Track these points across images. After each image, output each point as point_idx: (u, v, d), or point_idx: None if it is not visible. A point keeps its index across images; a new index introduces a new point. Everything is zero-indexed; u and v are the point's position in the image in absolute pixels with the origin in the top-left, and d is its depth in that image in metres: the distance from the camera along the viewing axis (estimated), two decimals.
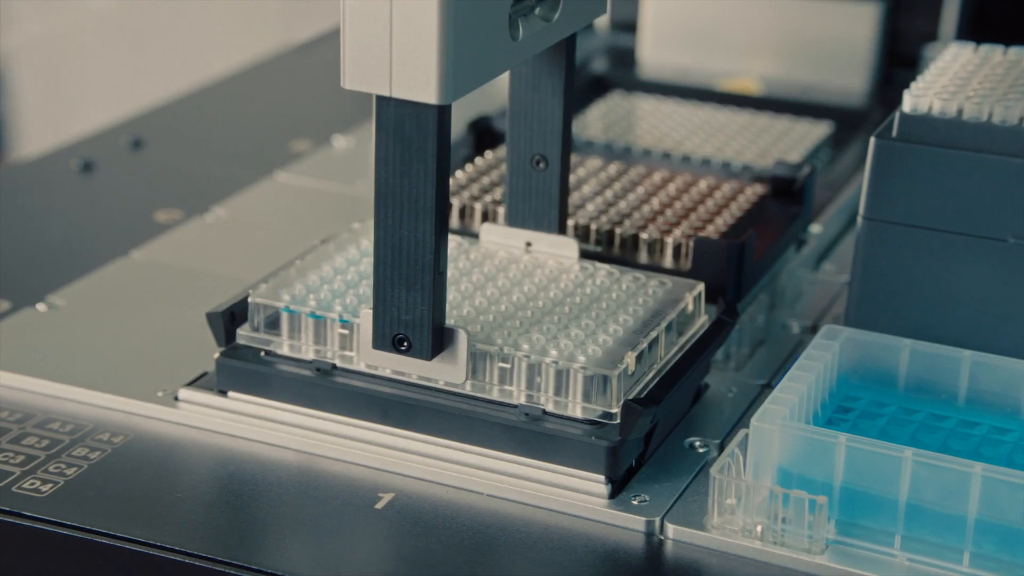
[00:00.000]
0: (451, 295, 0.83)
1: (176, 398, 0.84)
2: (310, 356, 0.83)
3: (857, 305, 0.86)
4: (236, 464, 0.80)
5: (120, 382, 0.86)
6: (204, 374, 0.86)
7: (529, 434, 0.78)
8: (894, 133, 0.84)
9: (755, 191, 0.99)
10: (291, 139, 1.22)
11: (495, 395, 0.79)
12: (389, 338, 0.78)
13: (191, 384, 0.85)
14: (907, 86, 1.32)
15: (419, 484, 0.79)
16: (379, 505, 0.77)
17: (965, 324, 0.83)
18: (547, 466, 0.78)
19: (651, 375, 0.80)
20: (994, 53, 0.90)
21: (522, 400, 0.79)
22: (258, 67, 1.42)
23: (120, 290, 0.97)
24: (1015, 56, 0.90)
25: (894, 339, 0.82)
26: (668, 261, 0.91)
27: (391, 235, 0.76)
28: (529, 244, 0.89)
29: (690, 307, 0.85)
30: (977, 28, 1.29)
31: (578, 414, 0.78)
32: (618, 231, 0.92)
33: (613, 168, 1.03)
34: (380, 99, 0.74)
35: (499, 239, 0.90)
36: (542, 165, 0.88)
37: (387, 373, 0.81)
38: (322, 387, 0.82)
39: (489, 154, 1.04)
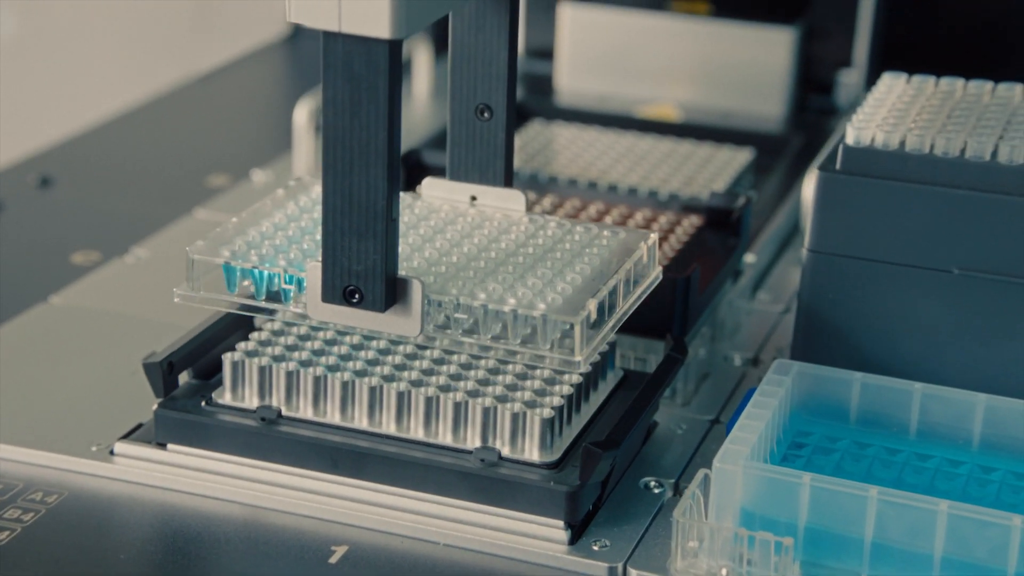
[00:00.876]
0: (399, 248, 0.78)
1: (112, 452, 0.81)
2: (254, 404, 0.80)
3: (803, 338, 0.86)
4: (179, 520, 0.77)
5: (51, 437, 0.82)
6: (139, 426, 0.83)
7: (485, 480, 0.76)
8: (838, 165, 0.84)
9: (692, 223, 0.98)
10: (207, 174, 1.19)
11: (448, 440, 0.78)
12: (339, 290, 0.74)
13: (127, 437, 0.82)
14: (823, 111, 1.33)
15: (373, 535, 0.76)
16: (333, 559, 0.75)
17: (912, 355, 0.83)
18: (505, 512, 0.76)
19: (610, 325, 0.78)
20: (927, 84, 0.91)
21: (476, 442, 0.77)
22: (163, 99, 1.39)
23: (42, 338, 0.94)
24: (947, 87, 0.90)
25: (845, 372, 0.82)
26: None
27: (341, 180, 0.72)
28: (474, 198, 0.86)
29: (644, 257, 0.82)
30: (888, 55, 1.31)
31: (546, 367, 0.74)
32: None
33: (547, 201, 1.02)
34: (328, 36, 0.70)
35: (442, 193, 0.87)
36: (487, 115, 0.85)
37: (334, 420, 0.79)
38: (267, 437, 0.79)
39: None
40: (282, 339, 0.83)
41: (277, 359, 0.81)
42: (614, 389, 0.84)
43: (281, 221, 0.83)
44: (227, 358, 0.81)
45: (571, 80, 1.34)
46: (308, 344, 0.82)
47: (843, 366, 0.83)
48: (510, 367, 0.81)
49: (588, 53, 1.34)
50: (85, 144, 1.27)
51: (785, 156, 1.22)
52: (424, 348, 0.82)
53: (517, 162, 1.13)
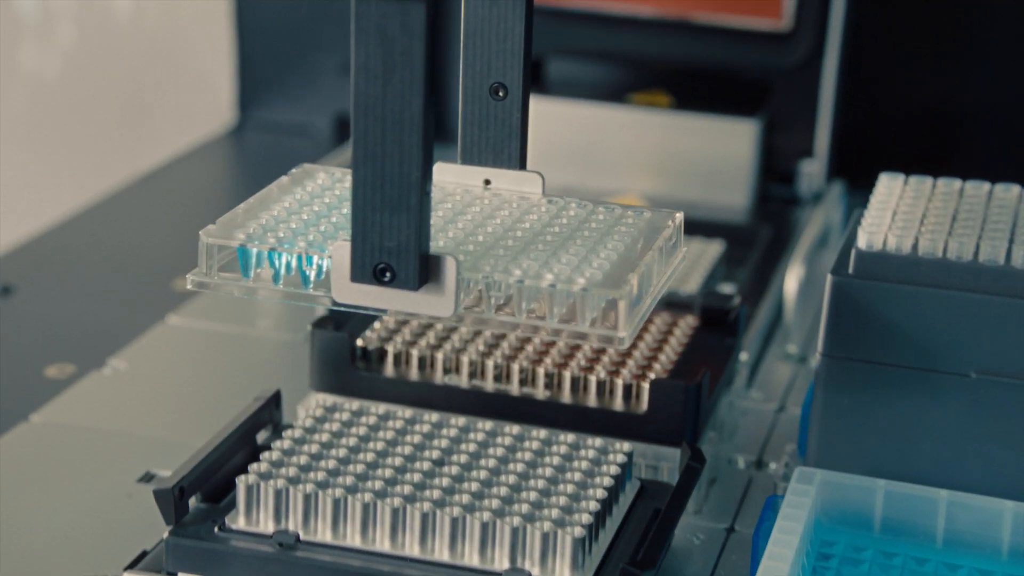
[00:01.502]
0: None
1: None
2: (269, 529, 0.77)
3: (819, 444, 0.85)
4: None
5: (49, 568, 0.79)
6: (144, 553, 0.79)
7: None
8: (851, 270, 0.84)
9: (688, 323, 0.97)
10: (173, 277, 1.16)
11: (475, 562, 0.75)
12: (370, 269, 0.71)
13: (133, 566, 0.78)
14: (785, 201, 1.34)
15: None
16: None
17: (931, 461, 0.83)
18: None
19: (648, 303, 0.75)
20: (924, 185, 0.91)
21: (505, 563, 0.75)
22: (113, 198, 1.35)
23: (28, 460, 0.90)
24: (945, 188, 0.91)
25: (868, 480, 0.81)
26: (619, 403, 0.89)
27: (373, 151, 0.69)
28: (488, 182, 0.83)
29: (672, 236, 0.80)
30: (847, 147, 1.32)
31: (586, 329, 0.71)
32: (566, 373, 0.90)
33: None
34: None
35: (454, 178, 0.83)
36: (501, 94, 0.81)
37: (354, 543, 0.76)
38: (285, 563, 0.76)
39: None
40: (295, 458, 0.80)
41: (292, 481, 0.78)
42: (634, 500, 0.83)
43: (292, 206, 0.79)
44: (240, 481, 0.78)
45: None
46: (323, 463, 0.80)
47: (861, 472, 0.82)
48: (533, 482, 0.79)
49: (551, 145, 1.33)
50: (40, 249, 1.23)
51: (755, 247, 1.23)
52: (442, 464, 0.80)
53: None
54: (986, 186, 0.91)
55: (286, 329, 1.09)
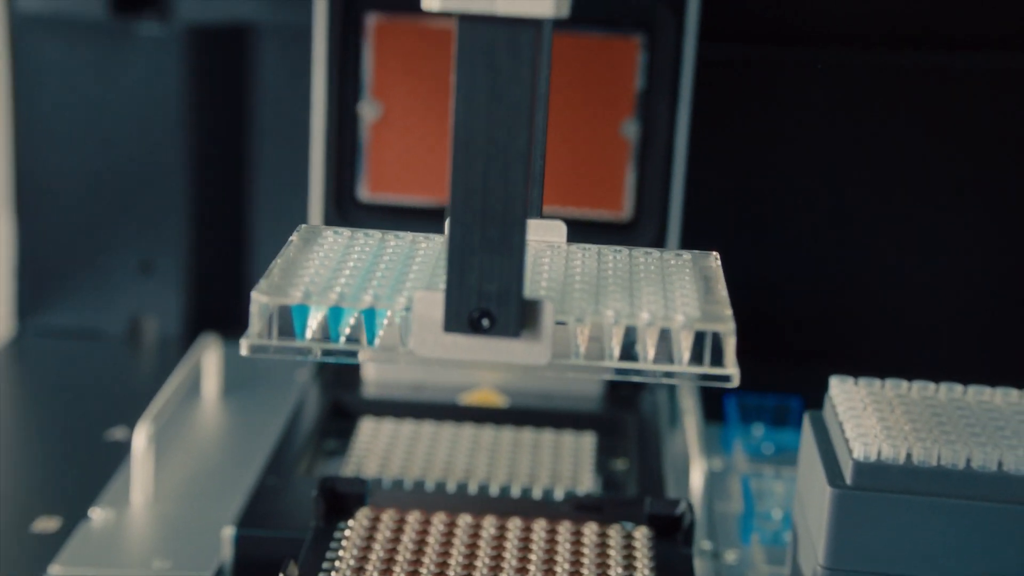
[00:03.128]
0: None
1: None
2: None
3: None
4: None
5: None
6: None
7: None
8: (849, 481, 0.84)
9: (644, 534, 0.95)
10: (36, 517, 1.04)
11: None
12: (465, 316, 0.66)
13: None
14: (632, 384, 1.34)
15: None
16: None
17: None
18: None
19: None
20: (874, 386, 0.93)
21: None
22: None
23: None
24: (894, 390, 0.93)
25: None
26: None
27: (475, 187, 0.64)
28: None
29: (716, 273, 0.78)
30: None
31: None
32: None
33: (463, 520, 0.95)
34: (466, 23, 0.63)
35: None
36: None
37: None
38: None
39: (351, 525, 0.93)
40: None
41: None
42: None
43: (327, 264, 0.74)
44: None
45: (379, 370, 1.29)
46: None
47: None
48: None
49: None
50: None
51: (626, 437, 1.22)
52: None
53: (383, 468, 1.08)
54: (932, 386, 0.93)
55: (188, 566, 1.00)
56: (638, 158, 1.28)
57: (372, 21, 1.26)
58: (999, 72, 1.36)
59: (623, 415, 1.25)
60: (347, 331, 0.70)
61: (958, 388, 0.93)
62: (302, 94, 1.33)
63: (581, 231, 1.28)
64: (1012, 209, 1.38)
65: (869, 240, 1.41)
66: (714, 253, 0.81)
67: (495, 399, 1.27)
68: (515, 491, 1.06)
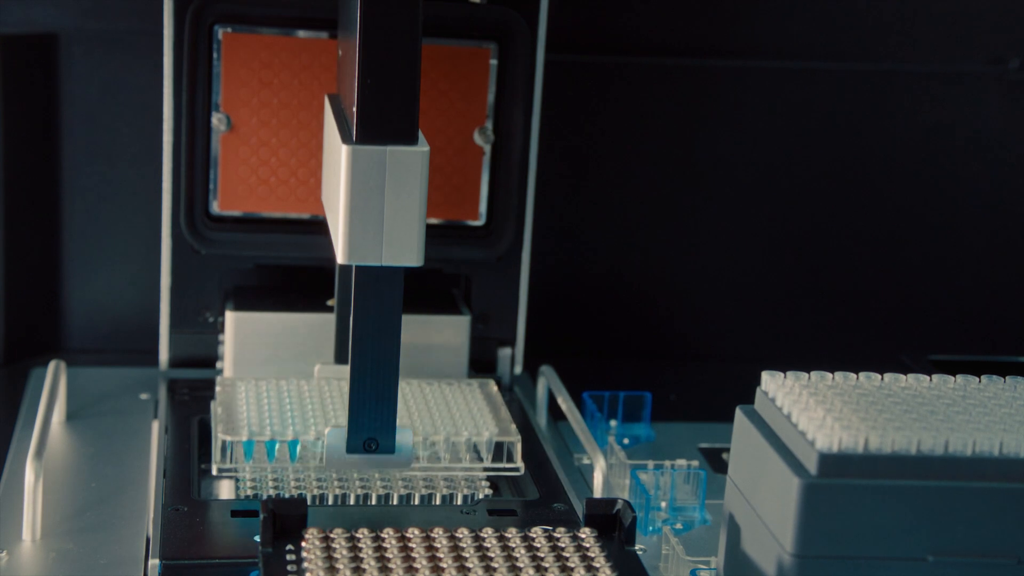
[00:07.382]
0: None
1: None
2: None
3: None
4: None
5: None
6: None
7: None
8: (815, 472, 0.88)
9: (589, 534, 0.96)
10: None
11: None
12: (360, 443, 1.02)
13: None
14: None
15: None
16: None
17: None
18: None
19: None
20: (802, 377, 0.98)
21: None
22: None
23: None
24: (821, 379, 0.98)
25: None
26: None
27: (367, 364, 1.01)
28: None
29: (498, 398, 1.19)
30: (539, 339, 1.38)
31: None
32: None
33: (412, 532, 0.94)
34: (363, 270, 1.00)
35: (335, 375, 1.18)
36: None
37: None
38: None
39: (305, 547, 0.91)
40: None
41: None
42: None
43: (252, 407, 1.11)
44: None
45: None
46: None
47: None
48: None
49: (253, 353, 1.26)
50: None
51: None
52: None
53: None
54: (864, 376, 0.98)
55: None
56: (492, 165, 1.29)
57: (221, 34, 1.23)
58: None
59: None
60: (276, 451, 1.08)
61: (875, 376, 0.99)
62: (113, 105, 1.33)
63: (442, 236, 1.30)
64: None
65: (705, 235, 1.48)
66: (492, 380, 1.21)
67: None
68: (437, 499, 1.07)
